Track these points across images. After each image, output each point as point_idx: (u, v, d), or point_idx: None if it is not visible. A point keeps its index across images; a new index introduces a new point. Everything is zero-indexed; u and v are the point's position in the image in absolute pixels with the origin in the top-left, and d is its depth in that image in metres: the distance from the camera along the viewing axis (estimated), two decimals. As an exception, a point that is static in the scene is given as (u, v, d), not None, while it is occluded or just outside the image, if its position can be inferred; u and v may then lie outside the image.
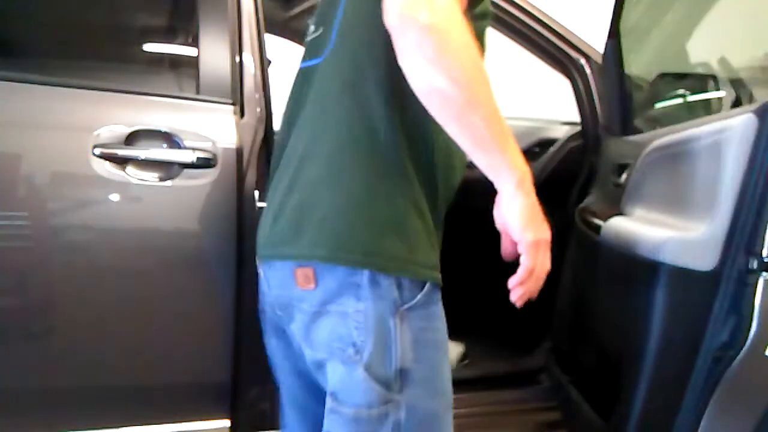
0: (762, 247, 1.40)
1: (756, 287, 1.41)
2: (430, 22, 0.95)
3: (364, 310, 1.12)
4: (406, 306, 1.13)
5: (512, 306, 1.97)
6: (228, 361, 1.76)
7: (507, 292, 1.92)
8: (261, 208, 1.77)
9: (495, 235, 2.25)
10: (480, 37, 1.16)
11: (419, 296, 1.14)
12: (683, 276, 1.48)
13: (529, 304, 2.55)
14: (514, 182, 1.05)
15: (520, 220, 1.06)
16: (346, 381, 1.16)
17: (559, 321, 2.28)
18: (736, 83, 2.01)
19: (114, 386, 1.72)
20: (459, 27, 0.97)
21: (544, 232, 1.09)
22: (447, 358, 1.20)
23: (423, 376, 1.17)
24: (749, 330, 1.41)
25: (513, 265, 2.14)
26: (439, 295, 1.18)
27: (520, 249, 1.08)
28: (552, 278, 2.30)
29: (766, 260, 1.39)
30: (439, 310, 1.18)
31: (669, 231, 1.55)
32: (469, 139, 1.02)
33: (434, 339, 1.18)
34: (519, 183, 1.05)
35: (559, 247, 2.32)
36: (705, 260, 1.46)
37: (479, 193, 2.28)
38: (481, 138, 1.02)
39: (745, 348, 1.42)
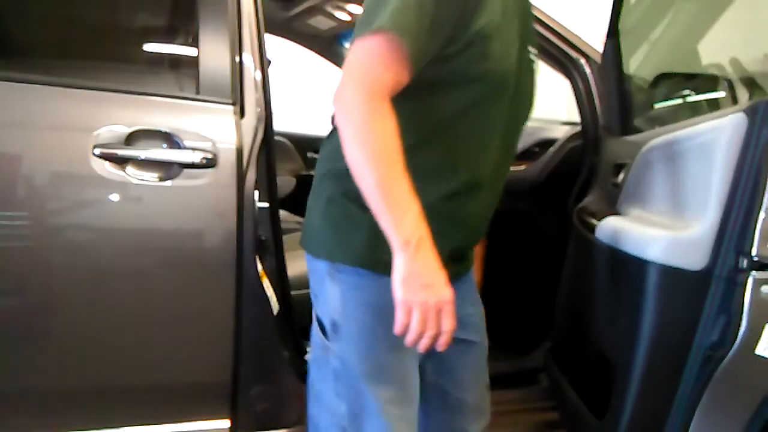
0: (751, 246, 1.40)
1: (746, 286, 1.41)
2: (341, 104, 1.19)
3: (317, 267, 1.40)
4: (337, 267, 1.36)
5: (512, 306, 1.97)
6: (228, 361, 1.77)
7: (507, 292, 1.93)
8: (261, 207, 1.78)
9: (495, 237, 2.26)
10: (479, 102, 1.31)
11: (349, 267, 1.34)
12: (674, 275, 1.48)
13: (529, 304, 2.57)
14: (398, 244, 1.16)
15: (396, 277, 1.16)
16: (312, 326, 1.46)
17: (558, 321, 2.28)
18: (740, 83, 2.01)
19: (114, 386, 1.73)
20: (361, 110, 1.17)
21: (424, 297, 1.16)
22: (388, 330, 1.22)
23: (350, 333, 1.36)
24: (739, 329, 1.42)
25: (513, 266, 2.17)
26: (377, 278, 1.29)
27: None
28: (552, 278, 2.32)
29: (755, 259, 1.40)
30: (376, 284, 1.29)
31: (660, 230, 1.56)
32: (368, 198, 1.18)
33: (364, 301, 1.34)
34: (403, 245, 1.15)
35: (558, 247, 2.34)
36: (695, 259, 1.46)
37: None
38: (374, 199, 1.17)
39: (735, 347, 1.42)
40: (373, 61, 1.20)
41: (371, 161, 1.17)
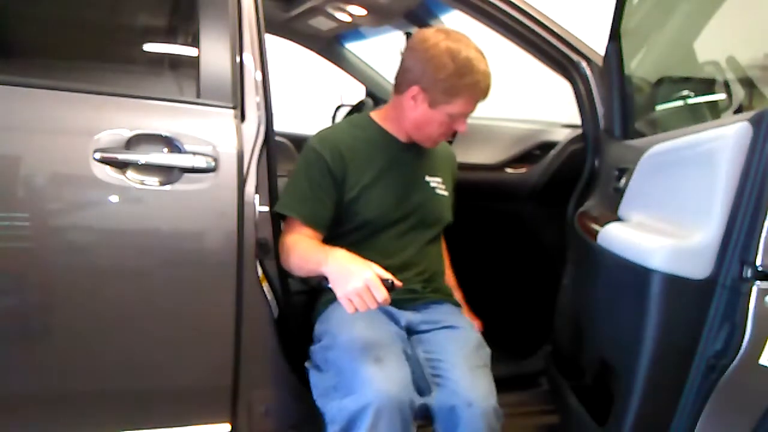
0: (756, 255, 1.40)
1: (750, 296, 1.41)
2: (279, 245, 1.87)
3: None
4: None
5: (513, 308, 1.99)
6: (228, 364, 1.77)
7: (509, 295, 1.93)
8: (261, 212, 1.78)
9: (497, 240, 2.23)
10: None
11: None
12: (677, 284, 1.48)
13: (530, 306, 2.57)
14: (320, 267, 1.67)
15: (331, 286, 1.63)
16: None
17: (558, 325, 2.28)
18: (741, 83, 2.01)
19: (113, 390, 1.73)
20: (285, 249, 1.82)
21: (352, 285, 1.57)
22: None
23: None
24: (743, 338, 1.42)
25: (514, 269, 2.19)
26: (333, 305, 1.83)
27: None
28: (552, 282, 2.31)
29: (759, 269, 1.40)
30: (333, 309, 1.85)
31: (664, 238, 1.55)
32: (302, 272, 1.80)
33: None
34: (322, 264, 1.67)
35: (559, 251, 2.34)
36: (699, 268, 1.46)
37: (483, 194, 2.28)
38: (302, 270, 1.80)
39: (739, 356, 1.42)
40: (285, 230, 1.88)
41: (295, 264, 1.79)
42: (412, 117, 1.88)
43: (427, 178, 2.00)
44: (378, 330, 1.75)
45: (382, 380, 1.57)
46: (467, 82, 1.79)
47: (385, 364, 1.62)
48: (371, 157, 1.91)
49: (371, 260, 1.68)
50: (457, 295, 2.13)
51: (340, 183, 1.87)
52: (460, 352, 1.78)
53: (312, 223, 1.85)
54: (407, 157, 1.97)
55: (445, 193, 2.03)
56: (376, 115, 2.01)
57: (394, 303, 1.85)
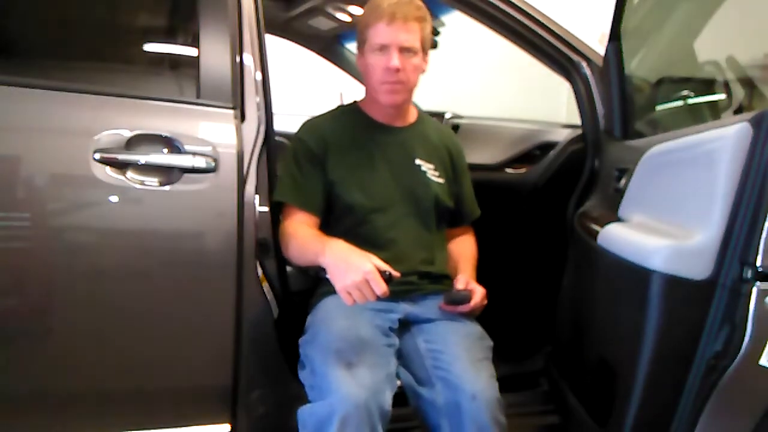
0: (756, 256, 1.40)
1: (750, 296, 1.41)
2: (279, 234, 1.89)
3: None
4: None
5: (513, 309, 1.98)
6: (228, 364, 1.77)
7: (507, 295, 1.93)
8: (262, 212, 1.78)
9: (497, 240, 2.22)
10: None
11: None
12: (677, 284, 1.48)
13: (530, 307, 2.56)
14: (318, 258, 1.67)
15: (330, 278, 1.63)
16: None
17: (559, 325, 2.28)
18: (741, 84, 2.01)
19: (113, 390, 1.73)
20: (285, 238, 1.85)
21: (351, 278, 1.57)
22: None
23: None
24: (743, 339, 1.42)
25: (514, 270, 2.17)
26: (326, 298, 1.85)
27: None
28: (552, 282, 2.31)
29: (760, 269, 1.40)
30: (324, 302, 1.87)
31: (664, 239, 1.55)
32: (301, 261, 1.82)
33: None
34: (320, 255, 1.67)
35: (559, 251, 2.33)
36: (699, 269, 1.46)
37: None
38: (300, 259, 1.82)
39: (738, 357, 1.42)
40: (283, 218, 1.91)
41: (294, 253, 1.81)
42: (365, 78, 1.96)
43: (418, 162, 2.00)
44: (360, 329, 1.73)
45: (352, 387, 1.55)
46: (370, 10, 1.88)
47: (357, 369, 1.60)
48: (352, 140, 1.96)
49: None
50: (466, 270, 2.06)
51: (324, 166, 1.92)
52: (462, 344, 1.79)
53: (306, 206, 1.90)
54: (392, 140, 1.99)
55: (440, 180, 2.02)
56: (361, 101, 2.05)
57: (390, 295, 1.84)
